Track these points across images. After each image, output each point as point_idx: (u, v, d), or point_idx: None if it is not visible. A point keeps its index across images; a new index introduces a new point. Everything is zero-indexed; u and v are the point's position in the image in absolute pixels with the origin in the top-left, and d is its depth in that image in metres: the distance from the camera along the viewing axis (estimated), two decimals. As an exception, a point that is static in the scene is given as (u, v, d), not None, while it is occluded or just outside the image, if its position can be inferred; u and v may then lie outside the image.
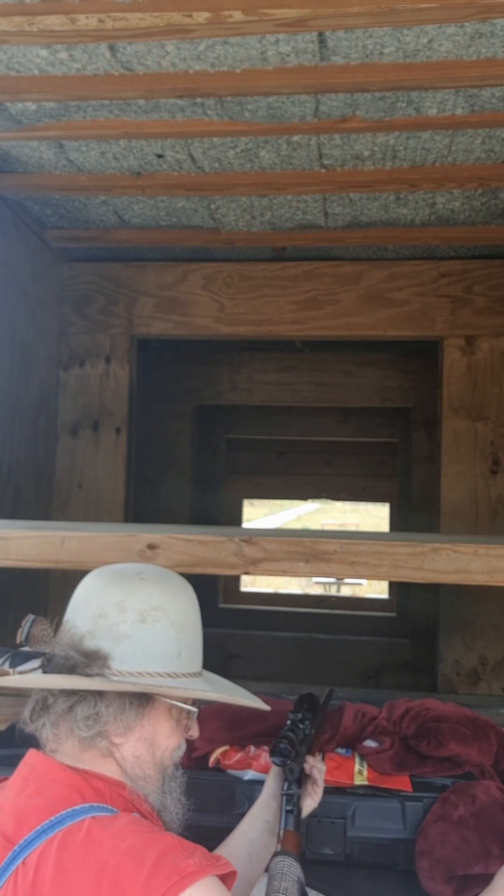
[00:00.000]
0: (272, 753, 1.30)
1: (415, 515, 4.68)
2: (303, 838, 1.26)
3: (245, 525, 8.10)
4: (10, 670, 1.02)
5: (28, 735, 1.04)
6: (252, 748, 1.64)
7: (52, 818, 0.90)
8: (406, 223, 2.88)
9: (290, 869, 1.09)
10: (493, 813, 1.48)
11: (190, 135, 2.20)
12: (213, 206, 2.78)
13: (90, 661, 0.99)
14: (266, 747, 1.62)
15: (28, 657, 1.03)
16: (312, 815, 1.48)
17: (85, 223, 3.02)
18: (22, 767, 1.01)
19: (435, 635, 3.39)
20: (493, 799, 1.52)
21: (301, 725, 1.43)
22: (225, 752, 1.65)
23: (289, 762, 1.29)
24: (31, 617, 1.05)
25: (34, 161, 2.45)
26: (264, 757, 1.60)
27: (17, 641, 1.04)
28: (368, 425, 5.30)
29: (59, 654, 1.00)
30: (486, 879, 1.42)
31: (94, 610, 1.03)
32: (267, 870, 1.14)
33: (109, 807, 0.95)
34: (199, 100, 2.04)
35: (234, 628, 5.05)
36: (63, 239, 3.12)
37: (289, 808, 1.27)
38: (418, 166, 2.42)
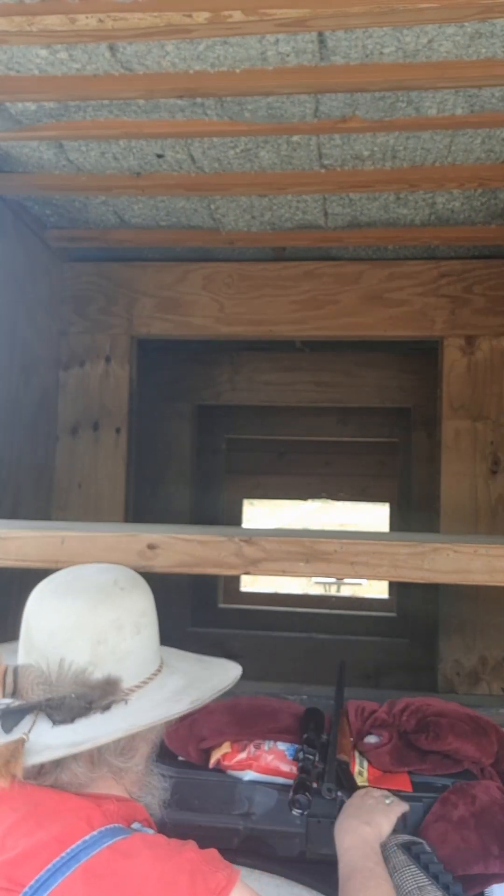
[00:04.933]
0: (291, 805, 1.37)
1: (415, 515, 4.67)
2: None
3: (245, 525, 8.10)
4: (5, 734, 0.89)
5: None
6: (252, 748, 1.64)
7: (64, 854, 0.84)
8: (406, 223, 2.88)
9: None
10: (493, 813, 1.49)
11: (190, 135, 2.20)
12: (213, 206, 2.78)
13: (104, 691, 0.93)
14: (273, 745, 1.63)
15: (21, 713, 0.91)
16: (312, 814, 1.49)
17: (85, 223, 3.02)
18: (18, 806, 0.90)
19: (435, 635, 3.39)
20: (493, 799, 1.52)
21: (311, 756, 1.49)
22: (226, 753, 1.65)
23: (308, 809, 1.38)
24: (8, 666, 0.94)
25: (34, 161, 2.45)
26: (265, 758, 1.61)
27: (1, 696, 0.92)
28: (368, 425, 5.29)
29: (67, 696, 0.91)
30: (487, 879, 1.42)
31: (89, 638, 0.95)
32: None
33: (118, 826, 0.91)
34: (199, 100, 2.04)
35: (234, 628, 5.05)
36: (63, 239, 3.12)
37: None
38: (418, 166, 2.42)
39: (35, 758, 0.86)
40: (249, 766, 1.60)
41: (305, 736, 1.61)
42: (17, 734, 0.87)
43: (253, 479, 7.04)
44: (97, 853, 0.84)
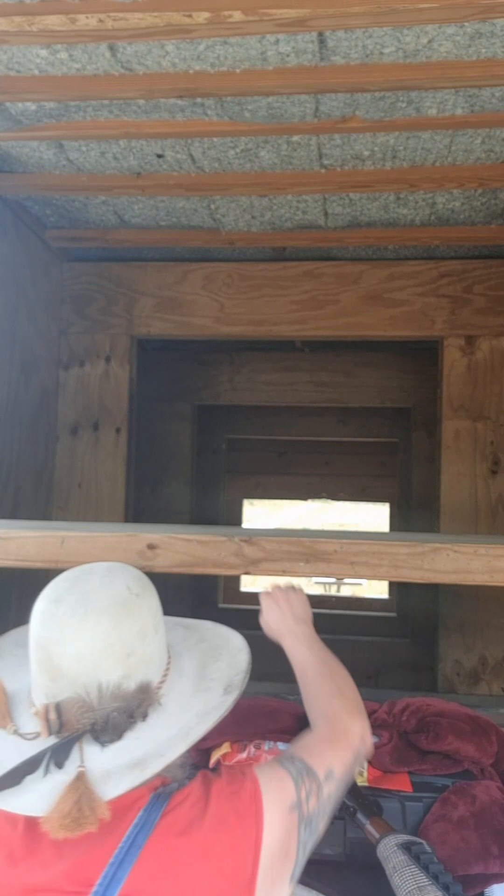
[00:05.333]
0: None
1: (415, 515, 4.68)
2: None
3: (245, 525, 8.10)
4: (59, 769, 0.87)
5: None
6: (253, 749, 1.64)
7: (122, 843, 0.85)
8: (406, 223, 2.88)
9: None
10: (493, 813, 1.49)
11: (190, 135, 2.20)
12: (213, 206, 2.78)
13: (141, 700, 0.93)
14: (273, 745, 1.63)
15: (69, 744, 0.89)
16: (312, 815, 1.48)
17: (85, 223, 3.02)
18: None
19: (435, 635, 3.39)
20: (493, 799, 1.52)
21: None
22: (226, 754, 1.65)
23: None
24: (49, 704, 0.91)
25: (34, 161, 2.45)
26: (265, 758, 1.61)
27: (48, 735, 0.89)
28: (368, 425, 5.30)
29: (109, 714, 0.90)
30: (487, 879, 1.43)
31: (119, 654, 0.94)
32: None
33: (153, 795, 0.92)
34: (199, 100, 2.04)
35: (234, 628, 5.04)
36: (63, 239, 3.12)
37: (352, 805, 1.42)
38: (418, 166, 2.42)
39: (111, 791, 0.84)
40: (249, 767, 1.60)
41: None
42: (70, 768, 0.86)
43: (253, 479, 7.04)
44: (152, 836, 0.85)
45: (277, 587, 1.51)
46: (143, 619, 0.98)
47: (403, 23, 1.63)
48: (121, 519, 3.29)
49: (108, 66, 1.88)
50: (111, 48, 1.80)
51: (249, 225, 2.93)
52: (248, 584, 8.38)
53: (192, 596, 5.02)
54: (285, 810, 0.93)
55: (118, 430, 3.34)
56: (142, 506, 4.45)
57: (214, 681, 1.03)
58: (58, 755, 0.87)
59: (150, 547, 1.75)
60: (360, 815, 1.41)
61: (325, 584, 10.09)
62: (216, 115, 2.12)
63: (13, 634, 1.16)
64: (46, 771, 0.86)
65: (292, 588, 1.51)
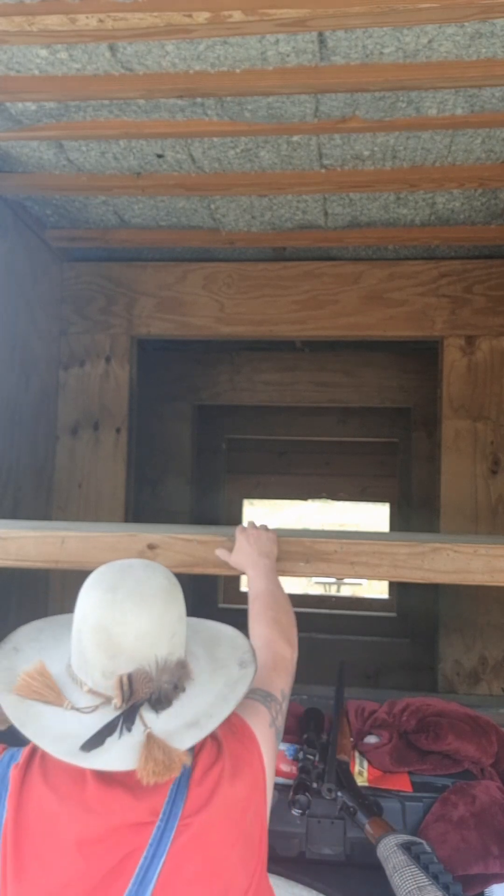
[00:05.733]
0: (291, 805, 1.39)
1: (415, 515, 4.68)
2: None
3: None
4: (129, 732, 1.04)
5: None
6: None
7: (173, 784, 1.06)
8: (406, 223, 2.88)
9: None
10: (493, 813, 1.49)
11: (190, 135, 2.20)
12: (213, 206, 2.78)
13: (181, 673, 1.10)
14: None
15: (133, 712, 1.06)
16: (312, 815, 1.49)
17: (85, 223, 3.02)
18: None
19: (435, 635, 3.39)
20: (493, 799, 1.52)
21: (311, 756, 1.49)
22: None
23: (308, 809, 1.43)
24: (122, 675, 1.06)
25: (34, 161, 2.45)
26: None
27: (118, 705, 1.05)
28: (368, 425, 5.29)
29: (162, 685, 1.08)
30: (487, 879, 1.43)
31: (167, 634, 1.11)
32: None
33: None
34: (199, 100, 2.04)
35: (235, 628, 5.04)
36: (63, 239, 3.12)
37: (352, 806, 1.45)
38: (418, 166, 2.42)
39: (179, 745, 1.03)
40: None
41: (305, 736, 1.61)
42: (137, 731, 1.04)
43: (253, 479, 7.04)
44: (193, 774, 1.08)
45: (252, 525, 1.70)
46: (179, 605, 1.16)
47: (403, 23, 1.63)
48: (121, 519, 3.29)
49: (108, 66, 1.88)
50: (111, 48, 1.80)
51: (249, 225, 2.93)
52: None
53: (192, 596, 5.01)
54: (266, 729, 1.20)
55: (118, 430, 3.34)
56: (142, 506, 4.45)
57: (225, 660, 1.21)
58: (128, 720, 1.04)
59: (151, 547, 1.75)
60: (360, 815, 1.41)
61: (325, 584, 10.09)
62: (216, 115, 2.12)
63: (25, 630, 1.28)
64: (121, 734, 1.03)
65: (265, 527, 1.71)
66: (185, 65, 1.87)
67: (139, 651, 1.07)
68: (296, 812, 1.41)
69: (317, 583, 9.99)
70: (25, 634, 1.26)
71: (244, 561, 1.65)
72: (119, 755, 1.01)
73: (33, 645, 1.22)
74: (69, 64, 1.87)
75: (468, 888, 1.40)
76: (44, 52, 1.83)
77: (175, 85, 1.92)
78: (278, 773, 1.58)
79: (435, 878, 1.21)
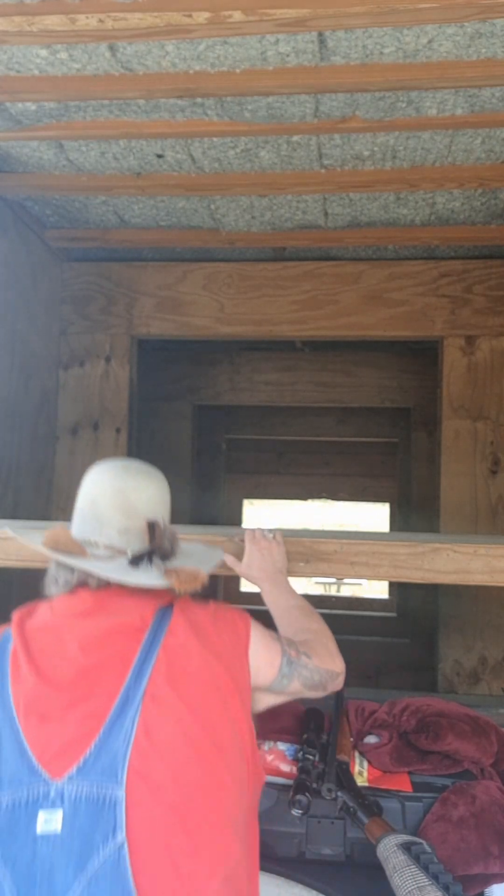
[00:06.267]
0: (291, 805, 1.39)
1: (415, 515, 4.68)
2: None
3: (245, 525, 8.09)
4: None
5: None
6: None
7: (156, 613, 1.23)
8: (406, 223, 2.88)
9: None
10: (493, 813, 1.48)
11: (190, 135, 2.20)
12: (213, 206, 2.78)
13: (174, 538, 1.36)
14: (273, 745, 1.63)
15: (151, 553, 1.29)
16: (312, 815, 1.49)
17: (85, 223, 3.02)
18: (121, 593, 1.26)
19: (435, 635, 3.39)
20: (493, 799, 1.52)
21: (311, 756, 1.49)
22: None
23: (308, 810, 1.43)
24: (147, 522, 1.31)
25: (34, 161, 2.45)
26: (265, 758, 1.61)
27: (146, 542, 1.29)
28: (368, 425, 5.29)
29: (167, 539, 1.33)
30: (487, 879, 1.43)
31: (166, 503, 1.41)
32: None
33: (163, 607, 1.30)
34: (199, 100, 2.04)
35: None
36: (63, 239, 3.12)
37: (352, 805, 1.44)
38: (418, 166, 2.42)
39: (206, 568, 1.38)
40: None
41: (305, 736, 1.61)
42: (158, 568, 1.28)
43: (253, 479, 7.04)
44: (174, 615, 1.23)
45: (261, 533, 1.73)
46: (168, 487, 1.43)
47: (403, 23, 1.63)
48: (121, 519, 3.28)
49: (108, 66, 1.88)
50: (111, 48, 1.80)
51: (249, 225, 2.93)
52: (249, 584, 8.39)
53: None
54: (268, 635, 1.33)
55: (118, 430, 3.34)
56: (142, 506, 4.44)
57: (193, 541, 1.58)
58: (150, 557, 1.27)
59: (150, 547, 1.75)
60: (360, 815, 1.41)
61: (325, 584, 10.09)
62: (216, 115, 2.12)
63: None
64: (151, 562, 1.27)
65: (275, 536, 1.73)
66: (185, 65, 1.87)
67: (150, 511, 1.33)
68: (296, 812, 1.41)
69: (317, 583, 9.99)
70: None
71: (259, 575, 1.66)
72: (151, 577, 1.25)
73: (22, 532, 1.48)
74: (69, 64, 1.87)
75: (468, 888, 1.40)
76: (44, 52, 1.83)
77: (175, 85, 1.92)
78: (278, 773, 1.58)
79: (435, 878, 1.21)
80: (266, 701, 1.33)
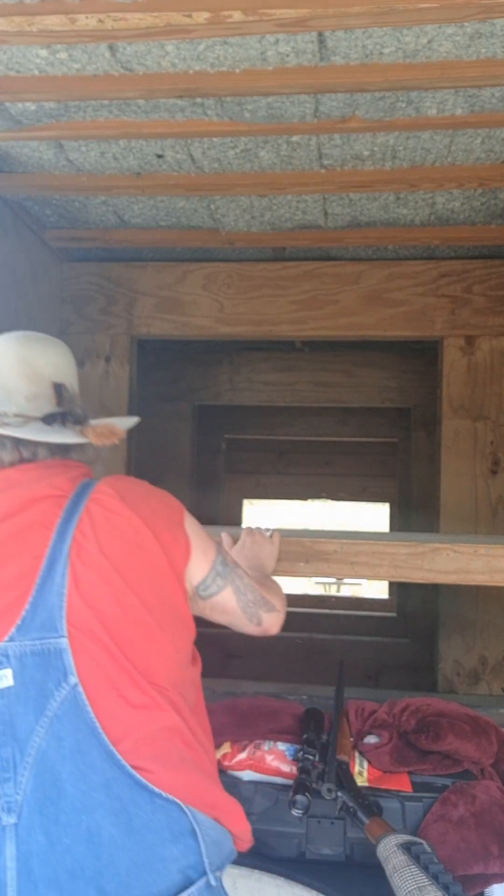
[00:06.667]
0: (291, 806, 1.39)
1: (415, 515, 4.67)
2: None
3: (244, 525, 8.09)
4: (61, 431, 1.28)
5: None
6: (252, 749, 1.64)
7: (83, 481, 1.25)
8: (406, 223, 2.88)
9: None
10: (493, 813, 1.49)
11: (190, 135, 2.20)
12: (212, 206, 2.78)
13: (85, 406, 1.35)
14: (273, 745, 1.63)
15: (65, 415, 1.30)
16: (312, 815, 1.49)
17: (85, 223, 3.02)
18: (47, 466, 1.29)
19: (435, 635, 3.39)
20: (493, 799, 1.52)
21: (311, 756, 1.49)
22: (225, 754, 1.65)
23: (308, 810, 1.43)
24: (54, 383, 1.32)
25: (34, 161, 2.45)
26: (265, 758, 1.61)
27: (55, 403, 1.30)
28: (368, 425, 5.29)
29: (77, 405, 1.34)
30: (487, 879, 1.43)
31: (73, 370, 1.43)
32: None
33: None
34: (199, 100, 2.04)
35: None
36: (63, 239, 3.12)
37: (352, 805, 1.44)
38: (418, 166, 2.42)
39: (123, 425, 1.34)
40: (249, 767, 1.60)
41: (305, 736, 1.61)
42: (67, 432, 1.28)
43: (253, 479, 7.03)
44: (106, 479, 1.26)
45: (260, 530, 1.73)
46: (72, 355, 1.45)
47: (403, 23, 1.63)
48: (121, 519, 3.28)
49: (108, 66, 1.88)
50: (111, 48, 1.80)
51: (249, 225, 2.93)
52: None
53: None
54: (206, 531, 1.32)
55: (118, 430, 3.34)
56: (142, 506, 4.43)
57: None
58: (63, 419, 1.28)
59: (150, 547, 1.75)
60: (360, 815, 1.41)
61: (325, 584, 10.09)
62: (216, 115, 2.12)
63: None
64: (64, 424, 1.28)
65: (270, 538, 1.73)
66: (185, 65, 1.87)
67: (56, 375, 1.34)
68: (296, 812, 1.41)
69: (317, 583, 9.99)
70: None
71: (241, 563, 1.64)
72: (67, 436, 1.27)
73: None
74: (69, 64, 1.87)
75: (468, 888, 1.40)
76: (44, 53, 1.83)
77: (175, 85, 1.92)
78: (278, 773, 1.58)
79: (435, 878, 1.21)
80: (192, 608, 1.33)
